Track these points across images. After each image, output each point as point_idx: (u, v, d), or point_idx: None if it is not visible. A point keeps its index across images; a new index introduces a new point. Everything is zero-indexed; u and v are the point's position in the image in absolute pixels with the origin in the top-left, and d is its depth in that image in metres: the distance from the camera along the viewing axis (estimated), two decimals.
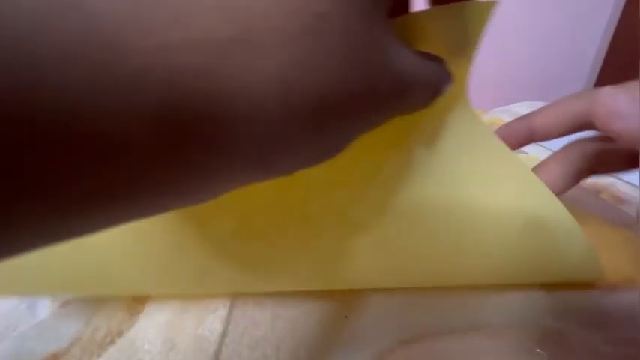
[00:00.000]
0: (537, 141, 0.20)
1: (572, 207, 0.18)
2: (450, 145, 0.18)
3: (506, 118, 0.51)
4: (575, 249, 0.18)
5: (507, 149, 0.18)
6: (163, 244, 0.17)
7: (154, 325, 0.19)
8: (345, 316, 0.19)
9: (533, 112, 0.21)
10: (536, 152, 0.40)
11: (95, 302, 0.20)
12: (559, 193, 0.19)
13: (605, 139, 0.20)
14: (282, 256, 0.18)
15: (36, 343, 0.18)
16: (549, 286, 0.20)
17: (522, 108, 0.55)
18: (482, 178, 0.18)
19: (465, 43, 0.16)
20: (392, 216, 0.17)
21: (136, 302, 0.20)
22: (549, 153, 0.40)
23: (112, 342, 0.18)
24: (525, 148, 0.40)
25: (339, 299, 0.20)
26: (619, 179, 0.30)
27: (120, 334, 0.18)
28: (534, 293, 0.20)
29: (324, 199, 0.17)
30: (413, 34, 0.14)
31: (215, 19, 0.07)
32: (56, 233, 0.08)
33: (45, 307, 0.20)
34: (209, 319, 0.19)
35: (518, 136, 0.20)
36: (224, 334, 0.18)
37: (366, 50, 0.09)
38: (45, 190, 0.07)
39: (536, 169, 0.20)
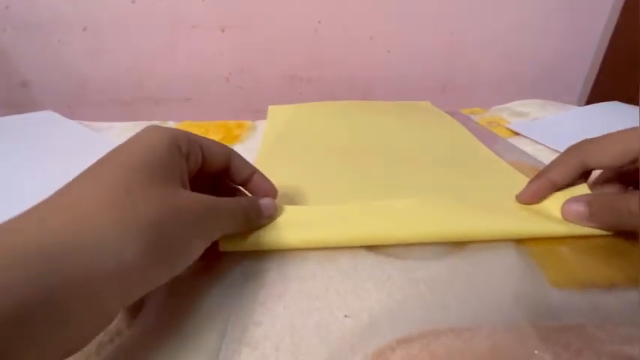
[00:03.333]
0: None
1: None
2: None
3: (506, 116, 0.51)
4: None
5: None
6: None
7: (152, 324, 0.19)
8: (345, 316, 0.19)
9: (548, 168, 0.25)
10: (534, 151, 0.40)
11: None
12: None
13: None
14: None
15: None
16: (551, 283, 0.20)
17: (522, 106, 0.55)
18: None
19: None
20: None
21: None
22: (548, 152, 0.40)
23: (111, 341, 0.18)
24: (524, 147, 0.40)
25: (338, 299, 0.20)
26: None
27: (119, 333, 0.18)
28: (534, 293, 0.20)
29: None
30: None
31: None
32: None
33: None
34: (209, 321, 0.19)
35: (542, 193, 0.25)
36: (224, 333, 0.18)
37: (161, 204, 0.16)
38: None
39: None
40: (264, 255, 0.23)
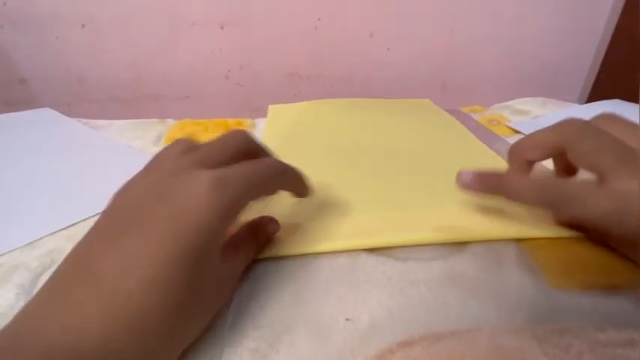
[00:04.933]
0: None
1: None
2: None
3: (507, 114, 0.51)
4: None
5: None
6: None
7: None
8: (346, 319, 0.19)
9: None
10: None
11: None
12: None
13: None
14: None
15: None
16: (552, 285, 0.20)
17: (523, 104, 0.55)
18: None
19: None
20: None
21: None
22: None
23: None
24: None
25: (338, 301, 0.20)
26: None
27: None
28: (535, 294, 0.20)
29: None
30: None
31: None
32: None
33: None
34: (209, 325, 0.19)
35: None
36: (224, 337, 0.18)
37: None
38: None
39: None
40: (263, 258, 0.23)
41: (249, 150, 0.22)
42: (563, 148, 0.21)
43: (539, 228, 0.24)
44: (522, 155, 0.24)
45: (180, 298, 0.15)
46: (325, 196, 0.29)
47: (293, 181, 0.23)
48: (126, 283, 0.15)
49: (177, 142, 0.21)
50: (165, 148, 0.21)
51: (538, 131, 0.23)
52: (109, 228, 0.17)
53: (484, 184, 0.24)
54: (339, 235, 0.24)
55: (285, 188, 0.23)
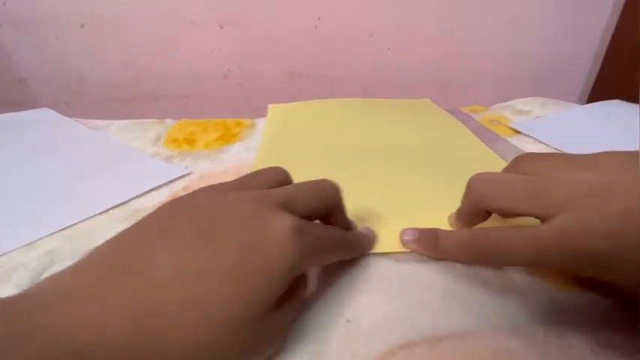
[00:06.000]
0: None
1: None
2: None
3: (508, 114, 0.51)
4: None
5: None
6: None
7: None
8: (347, 321, 0.18)
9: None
10: (535, 150, 0.40)
11: None
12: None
13: None
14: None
15: None
16: (554, 285, 0.20)
17: (524, 105, 0.55)
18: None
19: None
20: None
21: None
22: (550, 151, 0.40)
23: None
24: (525, 147, 0.40)
25: (339, 304, 0.20)
26: None
27: None
28: (536, 295, 0.20)
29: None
30: None
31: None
32: None
33: None
34: None
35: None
36: None
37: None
38: None
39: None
40: None
41: (332, 206, 0.20)
42: (482, 208, 0.21)
43: None
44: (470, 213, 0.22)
45: (238, 336, 0.14)
46: None
47: (353, 253, 0.22)
48: (180, 291, 0.13)
49: (268, 171, 0.21)
50: (253, 173, 0.20)
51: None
52: (163, 228, 0.16)
53: (422, 244, 0.23)
54: None
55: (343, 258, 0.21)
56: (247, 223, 0.16)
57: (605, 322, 0.18)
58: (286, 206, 0.17)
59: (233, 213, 0.16)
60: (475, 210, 0.21)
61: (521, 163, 0.21)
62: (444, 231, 0.22)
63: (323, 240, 0.18)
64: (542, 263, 0.19)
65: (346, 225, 0.23)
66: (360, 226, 0.24)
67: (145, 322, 0.13)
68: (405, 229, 0.23)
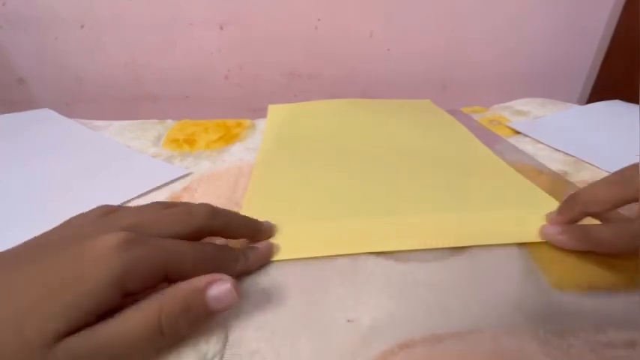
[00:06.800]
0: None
1: None
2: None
3: (508, 115, 0.51)
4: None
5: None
6: None
7: None
8: (348, 320, 0.19)
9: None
10: (535, 150, 0.40)
11: None
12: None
13: None
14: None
15: None
16: (553, 286, 0.20)
17: (523, 105, 0.55)
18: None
19: None
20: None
21: None
22: (549, 151, 0.39)
23: None
24: (524, 148, 0.40)
25: (339, 303, 0.20)
26: None
27: None
28: (536, 295, 0.20)
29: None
30: None
31: None
32: None
33: None
34: (209, 326, 0.19)
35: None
36: (224, 339, 0.18)
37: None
38: None
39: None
40: None
41: (200, 228, 0.20)
42: (633, 200, 0.20)
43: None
44: (581, 209, 0.23)
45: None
46: (325, 197, 0.29)
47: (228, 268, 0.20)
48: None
49: (99, 208, 0.21)
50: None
51: (598, 184, 0.22)
52: (19, 253, 0.17)
53: (571, 236, 0.23)
54: (340, 239, 0.24)
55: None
56: (76, 243, 0.17)
57: (605, 322, 0.18)
58: (133, 229, 0.18)
59: (67, 237, 0.18)
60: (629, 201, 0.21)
61: None
62: (593, 225, 0.22)
63: (169, 254, 0.17)
64: None
65: (246, 235, 0.23)
66: (355, 226, 0.24)
67: None
68: (544, 226, 0.24)
